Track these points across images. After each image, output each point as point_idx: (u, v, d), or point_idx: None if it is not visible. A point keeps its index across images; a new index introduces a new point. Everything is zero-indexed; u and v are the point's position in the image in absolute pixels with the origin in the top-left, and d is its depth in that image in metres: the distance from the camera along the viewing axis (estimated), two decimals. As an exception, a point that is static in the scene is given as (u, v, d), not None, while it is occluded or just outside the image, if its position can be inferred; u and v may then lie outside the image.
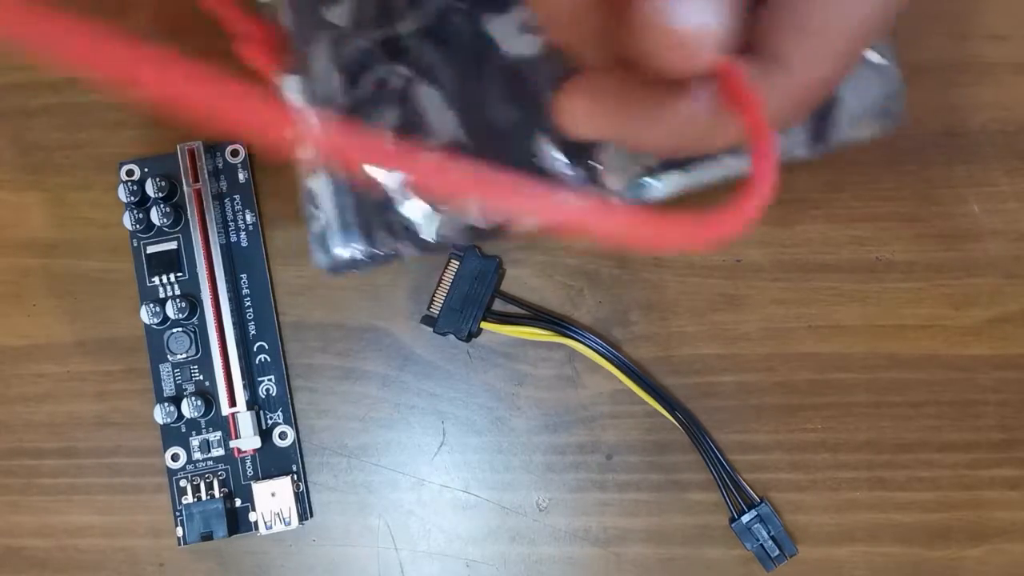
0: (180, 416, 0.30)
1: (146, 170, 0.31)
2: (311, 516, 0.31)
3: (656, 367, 0.31)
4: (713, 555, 0.30)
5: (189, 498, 0.30)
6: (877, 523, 0.30)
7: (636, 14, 0.15)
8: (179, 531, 0.30)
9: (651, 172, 0.26)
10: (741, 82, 0.16)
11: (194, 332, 0.31)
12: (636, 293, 0.31)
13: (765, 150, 0.16)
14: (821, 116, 0.26)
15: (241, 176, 0.32)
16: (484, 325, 0.31)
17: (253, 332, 0.31)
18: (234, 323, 0.30)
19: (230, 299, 0.30)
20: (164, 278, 0.31)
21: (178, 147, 0.31)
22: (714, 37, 0.15)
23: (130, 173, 0.31)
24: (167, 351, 0.31)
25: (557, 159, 0.26)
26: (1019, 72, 0.31)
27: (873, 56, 0.26)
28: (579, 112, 0.18)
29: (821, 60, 0.17)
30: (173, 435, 0.31)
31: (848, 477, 0.30)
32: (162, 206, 0.31)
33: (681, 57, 0.15)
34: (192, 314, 0.31)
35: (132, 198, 0.31)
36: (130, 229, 0.31)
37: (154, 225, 0.31)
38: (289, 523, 0.30)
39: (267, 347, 0.31)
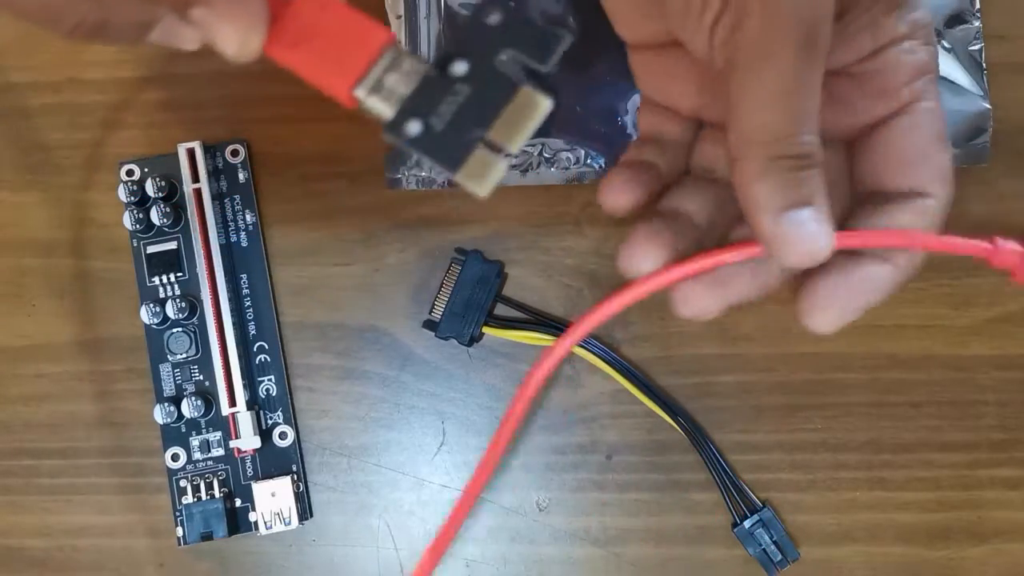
0: (180, 416, 0.30)
1: (146, 170, 0.31)
2: (311, 516, 0.31)
3: (656, 367, 0.31)
4: (713, 555, 0.30)
5: (189, 498, 0.30)
6: (877, 523, 0.30)
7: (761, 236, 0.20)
8: (179, 531, 0.30)
9: None
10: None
11: (194, 332, 0.31)
12: (636, 293, 0.31)
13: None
14: None
15: (241, 176, 0.32)
16: (486, 330, 0.31)
17: (253, 332, 0.31)
18: (234, 323, 0.30)
19: (230, 299, 0.30)
20: (164, 278, 0.31)
21: (178, 147, 0.31)
22: (831, 242, 0.19)
23: (130, 173, 0.31)
24: (167, 351, 0.31)
25: None
26: (1019, 72, 0.31)
27: (963, 80, 0.29)
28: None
29: (934, 179, 0.21)
30: (173, 435, 0.31)
31: (848, 477, 0.30)
32: (162, 206, 0.31)
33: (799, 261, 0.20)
34: (192, 314, 0.31)
35: (132, 198, 0.31)
36: (130, 229, 0.31)
37: (154, 225, 0.31)
38: (289, 523, 0.30)
39: (267, 347, 0.31)
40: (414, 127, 0.17)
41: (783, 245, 0.19)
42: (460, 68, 0.17)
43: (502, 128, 0.17)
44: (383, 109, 0.17)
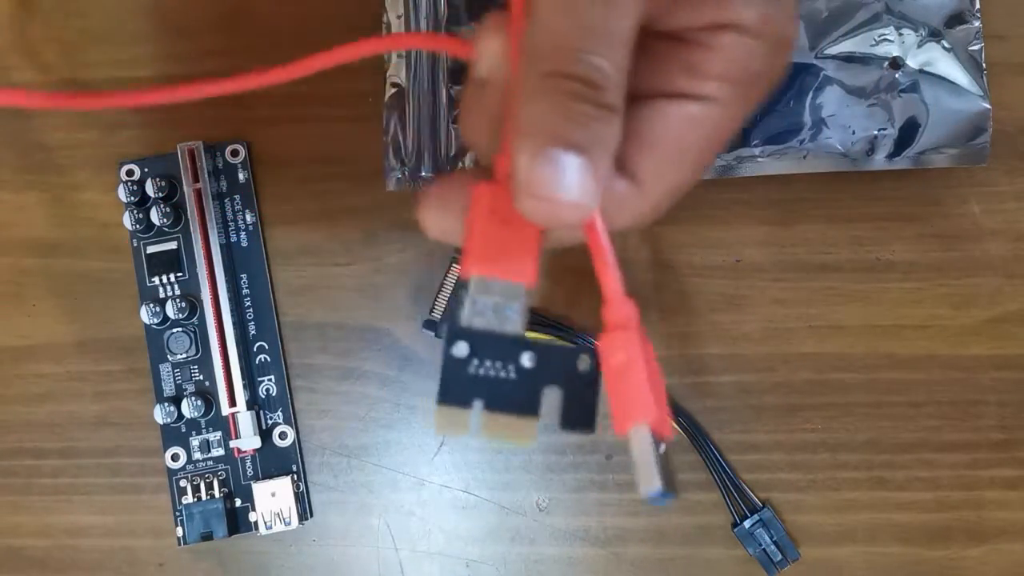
0: (180, 416, 0.30)
1: (146, 170, 0.31)
2: (311, 516, 0.31)
3: (656, 367, 0.31)
4: (713, 555, 0.30)
5: (189, 498, 0.30)
6: (877, 523, 0.30)
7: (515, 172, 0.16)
8: (179, 531, 0.30)
9: None
10: (598, 235, 0.18)
11: (194, 332, 0.31)
12: (636, 293, 0.31)
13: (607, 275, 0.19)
14: (906, 133, 0.29)
15: (241, 176, 0.31)
16: (485, 328, 0.31)
17: (253, 332, 0.31)
18: (234, 323, 0.30)
19: (230, 299, 0.30)
20: (164, 278, 0.31)
21: (178, 147, 0.31)
22: (584, 211, 0.17)
23: (130, 173, 0.31)
24: (167, 351, 0.31)
25: None
26: (1019, 72, 0.31)
27: (963, 80, 0.29)
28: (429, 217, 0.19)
29: (667, 177, 0.19)
30: (173, 435, 0.31)
31: (848, 477, 0.30)
32: (162, 206, 0.31)
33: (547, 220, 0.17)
34: (192, 314, 0.31)
35: (132, 198, 0.31)
36: (130, 229, 0.31)
37: (154, 225, 0.31)
38: (289, 523, 0.30)
39: (267, 347, 0.31)
40: (462, 349, 0.18)
41: (528, 186, 0.16)
42: (527, 361, 0.18)
43: (492, 421, 0.18)
44: (465, 311, 0.18)
